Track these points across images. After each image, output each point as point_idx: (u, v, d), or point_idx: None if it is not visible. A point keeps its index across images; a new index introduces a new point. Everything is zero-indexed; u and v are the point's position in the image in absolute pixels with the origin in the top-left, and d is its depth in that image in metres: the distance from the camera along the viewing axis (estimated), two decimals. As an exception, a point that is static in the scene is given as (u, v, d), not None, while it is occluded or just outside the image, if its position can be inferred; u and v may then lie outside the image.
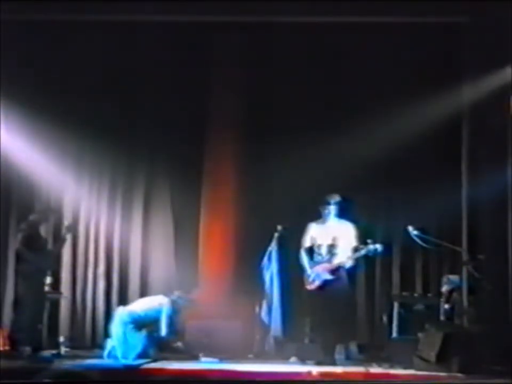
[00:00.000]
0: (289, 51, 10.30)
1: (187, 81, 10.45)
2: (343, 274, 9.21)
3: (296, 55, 10.32)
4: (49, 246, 9.85)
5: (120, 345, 9.03)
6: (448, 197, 9.71)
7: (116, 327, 9.14)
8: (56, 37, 10.06)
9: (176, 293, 9.42)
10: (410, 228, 9.27)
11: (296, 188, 10.26)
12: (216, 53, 10.59)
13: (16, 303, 9.54)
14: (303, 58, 10.34)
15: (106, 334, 9.44)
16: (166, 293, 9.50)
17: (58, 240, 9.95)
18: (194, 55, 10.43)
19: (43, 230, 9.86)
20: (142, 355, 8.99)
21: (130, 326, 9.10)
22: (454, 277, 9.56)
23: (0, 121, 9.85)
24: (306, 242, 9.43)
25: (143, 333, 9.10)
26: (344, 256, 9.22)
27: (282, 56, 10.35)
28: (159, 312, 9.21)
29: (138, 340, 9.05)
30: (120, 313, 9.24)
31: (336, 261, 9.22)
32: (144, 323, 9.17)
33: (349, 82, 10.29)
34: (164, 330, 9.15)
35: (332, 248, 9.28)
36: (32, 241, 9.47)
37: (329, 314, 9.07)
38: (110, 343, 9.14)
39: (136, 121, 10.60)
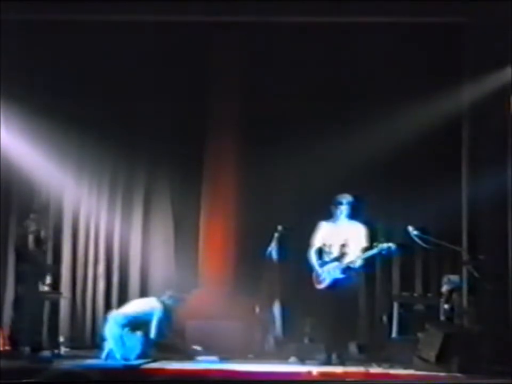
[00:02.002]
0: (289, 51, 10.30)
1: (187, 81, 10.46)
2: (353, 274, 9.17)
3: (296, 55, 10.32)
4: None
5: (118, 348, 9.01)
6: (448, 197, 9.71)
7: (111, 330, 9.10)
8: (56, 37, 10.05)
9: (168, 293, 9.41)
10: (410, 228, 9.23)
11: (296, 187, 10.27)
12: (216, 53, 10.60)
13: (18, 303, 9.56)
14: (303, 58, 10.33)
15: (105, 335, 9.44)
16: (159, 295, 9.49)
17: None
18: (194, 56, 10.44)
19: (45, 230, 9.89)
20: (141, 355, 9.00)
21: (126, 328, 9.08)
22: (454, 277, 9.56)
23: (0, 121, 9.85)
24: (317, 242, 9.32)
25: (139, 333, 9.09)
26: (355, 256, 9.12)
27: (282, 56, 10.35)
28: (151, 315, 9.21)
29: (136, 340, 9.04)
30: (115, 317, 9.20)
31: (347, 260, 9.16)
32: (139, 325, 9.16)
33: (349, 82, 10.30)
34: (153, 333, 9.13)
35: (343, 248, 9.20)
36: (38, 241, 9.51)
37: (336, 314, 9.02)
38: (107, 346, 9.12)
39: (136, 121, 10.60)
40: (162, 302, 9.29)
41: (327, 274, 9.12)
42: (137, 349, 9.02)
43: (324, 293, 9.12)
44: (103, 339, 9.28)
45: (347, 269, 9.07)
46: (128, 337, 9.04)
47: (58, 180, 10.40)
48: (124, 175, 10.68)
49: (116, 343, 9.03)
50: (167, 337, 9.32)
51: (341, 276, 9.07)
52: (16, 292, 9.70)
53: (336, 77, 10.31)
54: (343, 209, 9.22)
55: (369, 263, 9.30)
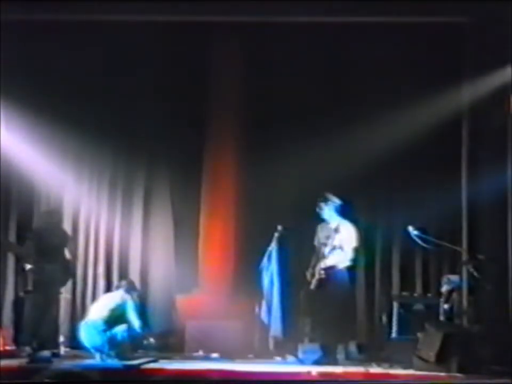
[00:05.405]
0: (289, 51, 10.29)
1: (187, 81, 10.45)
2: (339, 274, 9.23)
3: (296, 55, 10.32)
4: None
5: (109, 350, 9.02)
6: (448, 197, 9.71)
7: (93, 339, 9.07)
8: (56, 37, 10.05)
9: (123, 283, 9.60)
10: (410, 228, 9.27)
11: (297, 187, 10.27)
12: (216, 53, 10.60)
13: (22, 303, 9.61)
14: (303, 58, 10.33)
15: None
16: (116, 286, 9.71)
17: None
18: (194, 55, 10.44)
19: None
20: (134, 347, 9.08)
21: (108, 331, 9.06)
22: (454, 277, 9.56)
23: (0, 121, 9.85)
24: (315, 243, 9.49)
25: (123, 327, 9.11)
26: (342, 256, 9.24)
27: (282, 56, 10.34)
28: (124, 306, 9.27)
29: (120, 334, 9.06)
30: (91, 324, 9.17)
31: (333, 260, 9.25)
32: (117, 319, 9.17)
33: (349, 82, 10.30)
34: (136, 324, 9.19)
35: (332, 248, 9.29)
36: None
37: (326, 314, 9.11)
38: (96, 352, 9.11)
39: (136, 121, 10.59)
40: (127, 292, 9.39)
41: (311, 274, 9.25)
42: (126, 341, 9.06)
43: (321, 292, 9.17)
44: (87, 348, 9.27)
45: (331, 269, 9.16)
46: (114, 336, 9.05)
47: (58, 180, 10.40)
48: (124, 175, 10.68)
49: (103, 348, 9.02)
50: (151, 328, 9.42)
51: (325, 276, 9.16)
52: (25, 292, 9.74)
53: (336, 77, 10.31)
54: (331, 210, 9.37)
55: (356, 264, 9.40)
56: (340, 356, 9.08)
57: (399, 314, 9.49)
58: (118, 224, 10.60)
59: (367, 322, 10.24)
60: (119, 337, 9.04)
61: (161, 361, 8.97)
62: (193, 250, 10.66)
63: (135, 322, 9.21)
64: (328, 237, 9.33)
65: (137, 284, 10.43)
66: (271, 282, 9.79)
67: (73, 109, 10.24)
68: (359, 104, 10.22)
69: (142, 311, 9.56)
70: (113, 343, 9.01)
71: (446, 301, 9.36)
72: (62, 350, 9.51)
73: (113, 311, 9.22)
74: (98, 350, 9.04)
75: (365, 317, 10.24)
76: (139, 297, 9.69)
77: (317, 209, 9.44)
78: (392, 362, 8.77)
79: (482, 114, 9.63)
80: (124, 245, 10.56)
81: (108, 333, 9.04)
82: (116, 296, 9.45)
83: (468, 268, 9.28)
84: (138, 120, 10.58)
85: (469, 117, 9.80)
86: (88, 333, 9.13)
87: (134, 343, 9.20)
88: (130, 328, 9.14)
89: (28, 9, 9.36)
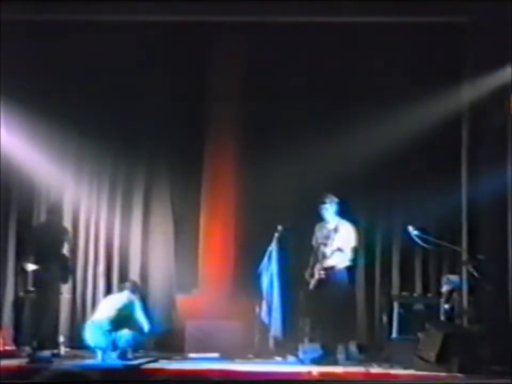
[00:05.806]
0: (289, 51, 10.30)
1: (187, 81, 10.45)
2: (339, 274, 9.24)
3: (296, 55, 10.32)
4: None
5: (112, 350, 9.01)
6: (448, 196, 9.71)
7: (99, 339, 9.09)
8: (56, 37, 10.05)
9: (128, 285, 9.62)
10: (410, 228, 9.27)
11: (296, 187, 10.27)
12: (216, 52, 10.60)
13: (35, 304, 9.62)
14: (302, 58, 10.34)
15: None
16: (122, 287, 9.70)
17: None
18: (194, 55, 10.44)
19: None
20: (138, 347, 9.08)
21: (114, 332, 9.07)
22: (454, 277, 9.56)
23: (0, 121, 9.85)
24: (313, 242, 9.49)
25: (126, 332, 9.09)
26: (342, 256, 9.24)
27: (282, 56, 10.35)
28: (130, 306, 9.29)
29: (125, 339, 9.05)
30: (97, 324, 9.19)
31: (333, 261, 9.25)
32: (123, 320, 9.19)
33: (348, 82, 10.30)
34: (145, 325, 9.20)
35: (331, 248, 9.29)
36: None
37: (326, 314, 9.11)
38: (99, 352, 9.11)
39: (136, 121, 10.59)
40: (132, 293, 9.41)
41: (311, 275, 9.26)
42: (131, 344, 9.08)
43: (321, 292, 9.17)
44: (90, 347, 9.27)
45: (331, 269, 9.15)
46: (119, 338, 9.05)
47: (58, 180, 10.39)
48: (124, 175, 10.67)
49: (108, 348, 9.02)
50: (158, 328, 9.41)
51: (325, 276, 9.16)
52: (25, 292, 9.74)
53: (336, 77, 10.30)
54: (330, 210, 9.37)
55: (355, 264, 9.45)
56: (340, 356, 9.09)
57: (399, 314, 9.49)
58: (118, 224, 10.60)
59: (367, 322, 10.24)
60: (123, 341, 9.05)
61: (161, 361, 8.97)
62: (193, 250, 10.66)
63: (144, 322, 9.23)
64: (327, 237, 9.34)
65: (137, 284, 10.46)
66: (271, 282, 9.80)
67: (73, 109, 10.24)
68: (359, 105, 10.22)
69: (146, 311, 9.55)
70: (116, 346, 9.02)
71: (447, 301, 9.35)
72: (62, 350, 9.50)
73: (120, 311, 9.23)
74: (101, 349, 9.06)
75: (365, 317, 10.24)
76: (142, 297, 9.69)
77: (317, 209, 9.44)
78: (392, 363, 8.77)
79: (482, 114, 9.62)
80: (124, 245, 10.55)
81: (113, 334, 9.04)
82: (122, 297, 9.47)
83: (468, 268, 9.28)
84: (138, 120, 10.58)
85: (469, 117, 9.80)
86: (93, 332, 9.14)
87: (137, 344, 9.21)
88: (134, 333, 9.14)
89: (28, 9, 9.35)
